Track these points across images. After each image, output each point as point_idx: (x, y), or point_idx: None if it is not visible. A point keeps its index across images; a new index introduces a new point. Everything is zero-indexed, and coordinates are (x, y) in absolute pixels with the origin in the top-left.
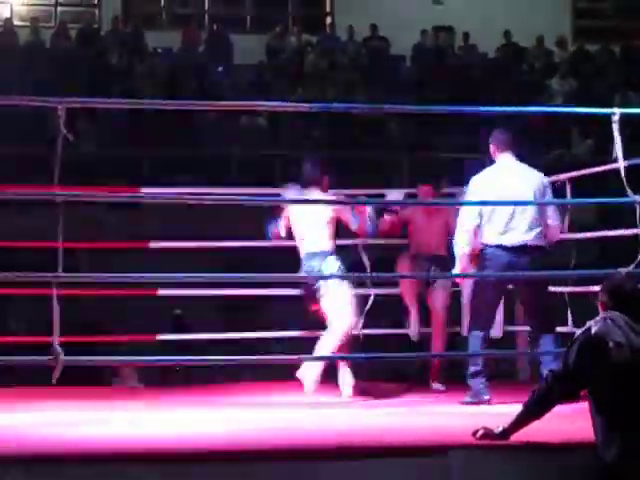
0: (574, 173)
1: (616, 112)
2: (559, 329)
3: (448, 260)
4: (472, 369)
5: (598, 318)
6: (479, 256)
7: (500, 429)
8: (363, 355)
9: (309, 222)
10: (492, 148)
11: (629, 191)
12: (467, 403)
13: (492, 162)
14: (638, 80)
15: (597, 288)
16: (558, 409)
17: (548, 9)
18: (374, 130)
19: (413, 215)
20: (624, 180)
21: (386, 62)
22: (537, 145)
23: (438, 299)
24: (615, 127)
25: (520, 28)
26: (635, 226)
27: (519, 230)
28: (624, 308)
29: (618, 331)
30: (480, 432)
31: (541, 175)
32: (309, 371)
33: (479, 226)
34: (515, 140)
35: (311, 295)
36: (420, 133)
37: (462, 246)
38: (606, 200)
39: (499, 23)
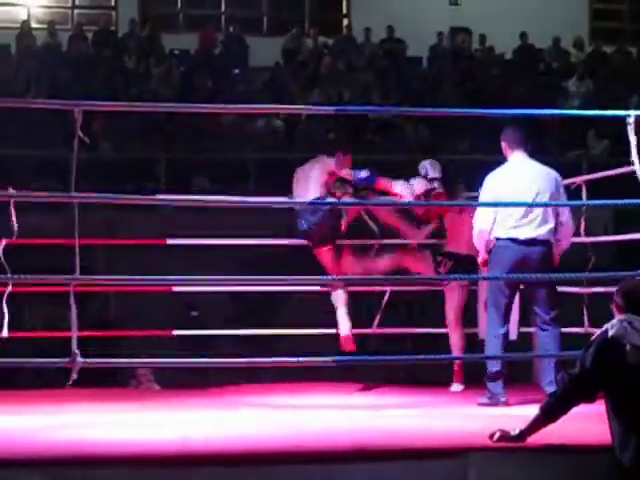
0: (590, 176)
1: (631, 114)
2: (575, 330)
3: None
4: (491, 370)
5: (615, 321)
6: (491, 250)
7: (517, 432)
8: (380, 357)
9: (306, 182)
10: (504, 145)
11: None
12: (484, 404)
13: (505, 161)
14: None
15: (614, 290)
16: (575, 411)
17: (564, 10)
18: (390, 132)
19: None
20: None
21: (402, 64)
22: (554, 146)
23: (452, 299)
24: (630, 129)
25: (537, 29)
26: None
27: (532, 226)
28: (638, 310)
29: (635, 334)
30: (497, 435)
31: (554, 172)
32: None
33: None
34: (527, 138)
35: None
36: (436, 135)
37: (480, 245)
38: (620, 202)
39: (516, 24)
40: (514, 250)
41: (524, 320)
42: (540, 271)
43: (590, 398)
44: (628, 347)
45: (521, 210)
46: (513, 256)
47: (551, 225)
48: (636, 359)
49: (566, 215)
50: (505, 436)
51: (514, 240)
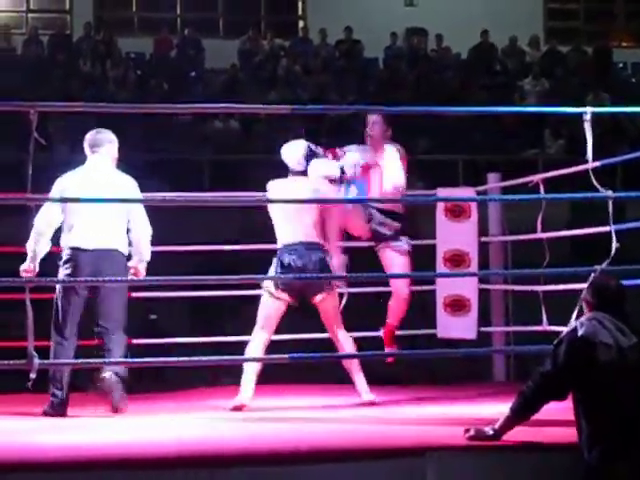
0: (548, 174)
1: (588, 111)
2: (534, 328)
3: None
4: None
5: (583, 319)
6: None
7: (491, 431)
8: (330, 355)
9: None
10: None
11: (601, 188)
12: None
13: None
14: (609, 80)
15: (570, 287)
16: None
17: (520, 10)
18: (347, 133)
19: None
20: (593, 179)
21: (359, 65)
22: (510, 145)
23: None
24: (587, 126)
25: (492, 29)
26: (608, 224)
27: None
28: (609, 307)
29: (605, 331)
30: (471, 433)
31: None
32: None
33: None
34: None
35: None
36: (393, 135)
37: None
38: (579, 195)
39: (471, 24)
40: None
41: (484, 319)
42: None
43: (561, 396)
44: (599, 345)
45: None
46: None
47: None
48: (606, 357)
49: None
50: (479, 435)
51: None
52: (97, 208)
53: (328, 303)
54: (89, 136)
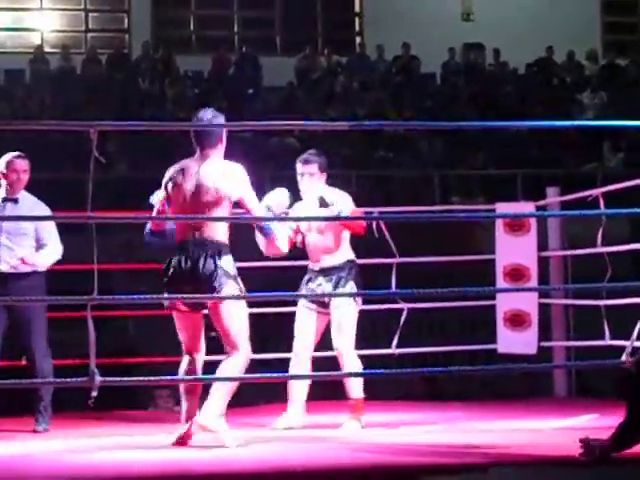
0: (608, 187)
1: None
2: (597, 342)
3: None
4: None
5: None
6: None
7: (610, 442)
8: (387, 371)
9: None
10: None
11: None
12: None
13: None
14: None
15: (631, 301)
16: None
17: (577, 24)
18: (404, 148)
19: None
20: None
21: (416, 81)
22: (569, 159)
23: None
24: None
25: (550, 43)
26: None
27: None
28: None
29: None
30: (593, 444)
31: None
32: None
33: None
34: None
35: None
36: (450, 150)
37: None
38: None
39: (529, 39)
40: None
41: (544, 334)
42: None
43: None
44: None
45: None
46: None
47: None
48: None
49: None
50: (599, 446)
51: None
52: None
53: None
54: None
